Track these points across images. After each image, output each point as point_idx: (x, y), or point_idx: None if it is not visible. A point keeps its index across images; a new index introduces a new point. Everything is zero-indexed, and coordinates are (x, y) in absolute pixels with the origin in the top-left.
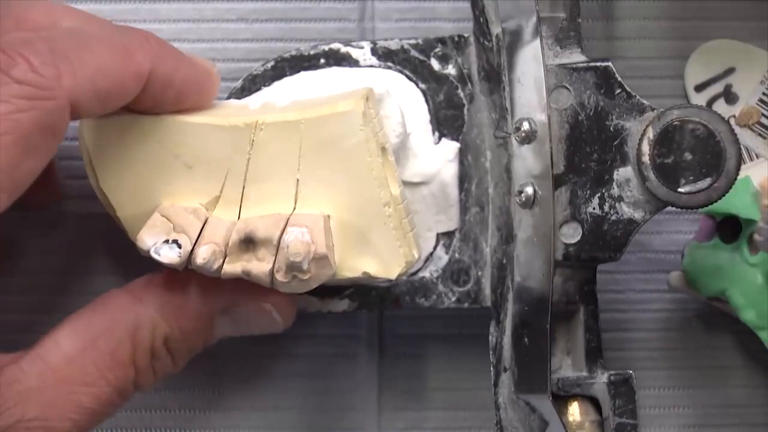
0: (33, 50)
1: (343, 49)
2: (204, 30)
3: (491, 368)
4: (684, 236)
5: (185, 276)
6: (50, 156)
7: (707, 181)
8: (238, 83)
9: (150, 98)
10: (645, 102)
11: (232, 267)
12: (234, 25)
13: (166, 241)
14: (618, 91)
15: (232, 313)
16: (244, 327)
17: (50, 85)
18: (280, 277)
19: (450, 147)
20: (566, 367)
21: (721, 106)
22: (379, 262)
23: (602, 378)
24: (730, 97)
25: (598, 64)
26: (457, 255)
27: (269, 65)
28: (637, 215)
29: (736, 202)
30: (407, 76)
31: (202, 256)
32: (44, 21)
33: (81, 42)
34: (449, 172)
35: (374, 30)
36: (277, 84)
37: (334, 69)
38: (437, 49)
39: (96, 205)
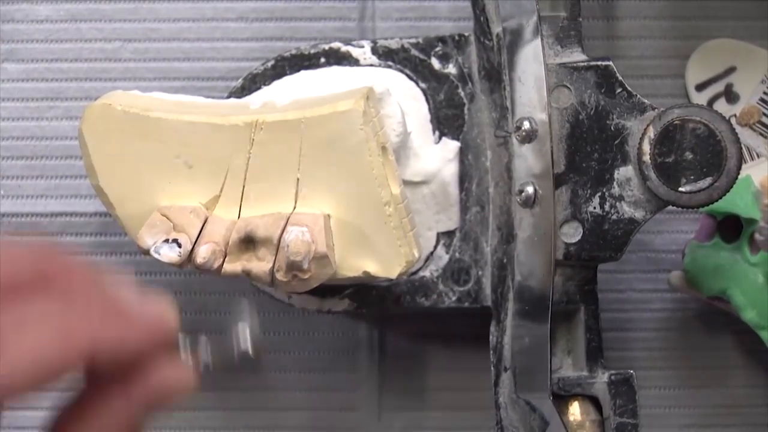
0: None
1: (344, 48)
2: (203, 29)
3: (492, 368)
4: (685, 236)
5: (89, 400)
6: None
7: (708, 181)
8: (238, 82)
9: (99, 368)
10: (646, 101)
11: (232, 266)
12: (234, 24)
13: (166, 241)
14: (619, 90)
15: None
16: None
17: None
18: (280, 276)
19: (450, 146)
20: (567, 366)
21: (721, 106)
22: (379, 261)
23: (603, 377)
24: (730, 96)
25: (599, 63)
26: (457, 254)
27: (269, 64)
28: (638, 214)
29: (737, 202)
30: (407, 75)
31: (202, 255)
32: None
33: (18, 325)
34: (449, 171)
35: (374, 29)
36: (277, 83)
37: (335, 68)
38: (438, 48)
39: (96, 204)
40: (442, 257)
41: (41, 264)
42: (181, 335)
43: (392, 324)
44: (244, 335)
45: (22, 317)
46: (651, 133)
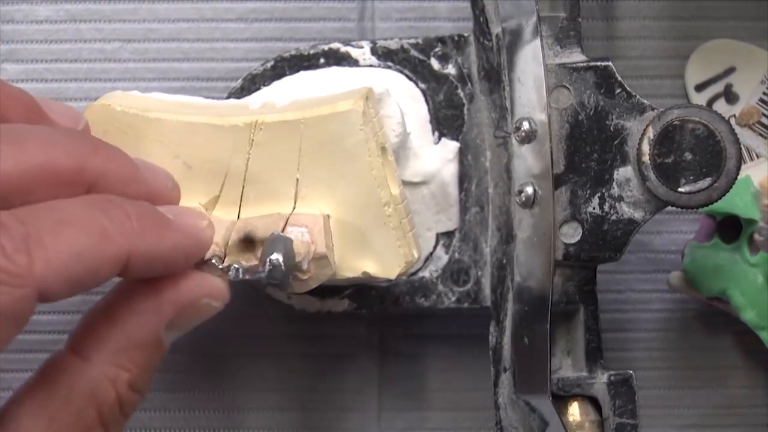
0: (7, 235)
1: (343, 48)
2: (203, 29)
3: (491, 368)
4: (684, 236)
5: (119, 302)
6: (8, 343)
7: (707, 181)
8: (238, 83)
9: (134, 274)
10: (645, 102)
11: None
12: (233, 25)
13: None
14: (618, 90)
15: (173, 323)
16: (187, 327)
17: (20, 273)
18: None
19: (450, 147)
20: (566, 367)
21: (721, 106)
22: (378, 262)
23: (602, 378)
24: (730, 96)
25: (598, 63)
26: (456, 255)
27: (269, 65)
28: (637, 215)
29: (736, 202)
30: (407, 76)
31: None
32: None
33: (57, 223)
34: (449, 171)
35: (374, 29)
36: (276, 84)
37: (334, 68)
38: (437, 49)
39: None
40: (442, 258)
41: (79, 159)
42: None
43: (392, 324)
44: (278, 265)
45: (62, 216)
46: (650, 133)
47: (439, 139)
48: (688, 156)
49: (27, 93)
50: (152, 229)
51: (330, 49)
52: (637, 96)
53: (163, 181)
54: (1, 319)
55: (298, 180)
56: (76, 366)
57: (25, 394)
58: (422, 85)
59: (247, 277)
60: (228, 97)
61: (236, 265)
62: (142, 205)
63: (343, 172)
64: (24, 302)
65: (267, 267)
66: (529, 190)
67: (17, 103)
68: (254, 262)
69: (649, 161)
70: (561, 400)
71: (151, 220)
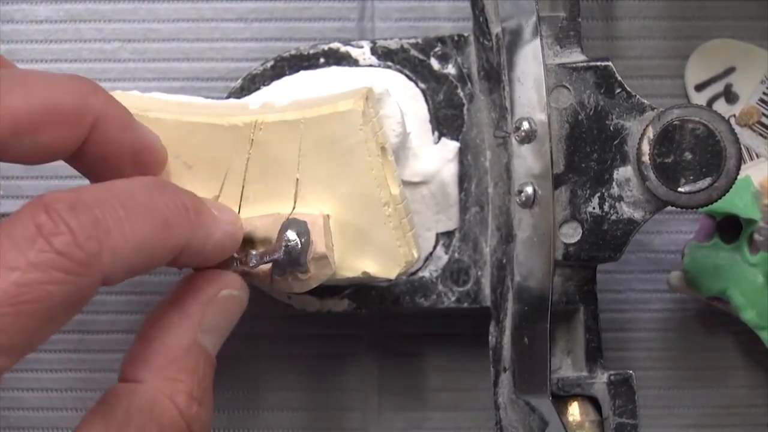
0: (77, 220)
1: (343, 48)
2: (203, 29)
3: (491, 368)
4: (684, 236)
5: (151, 325)
6: (65, 323)
7: (707, 181)
8: (237, 83)
9: (179, 265)
10: (645, 101)
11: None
12: (233, 25)
13: None
14: (618, 90)
15: (206, 324)
16: (221, 326)
17: (89, 262)
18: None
19: (450, 146)
20: (566, 367)
21: (721, 106)
22: (378, 261)
23: (602, 378)
24: (730, 96)
25: (598, 63)
26: (456, 255)
27: (268, 65)
28: (637, 215)
29: (736, 202)
30: (407, 76)
31: None
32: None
33: (125, 211)
34: (449, 171)
35: (374, 29)
36: (276, 83)
37: (334, 68)
38: (437, 49)
39: None
40: (442, 257)
41: (81, 98)
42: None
43: (392, 324)
44: (294, 245)
45: (128, 202)
46: (650, 133)
47: (439, 138)
48: (688, 156)
49: None
50: (203, 222)
51: (330, 48)
52: (637, 96)
53: (152, 134)
54: (65, 307)
55: (297, 180)
56: (130, 389)
57: (82, 425)
58: (422, 85)
59: (266, 259)
60: (228, 97)
61: (254, 251)
62: (193, 197)
63: (343, 172)
64: (89, 290)
65: (283, 247)
66: (529, 189)
67: None
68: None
69: (648, 161)
70: (561, 400)
71: (203, 214)
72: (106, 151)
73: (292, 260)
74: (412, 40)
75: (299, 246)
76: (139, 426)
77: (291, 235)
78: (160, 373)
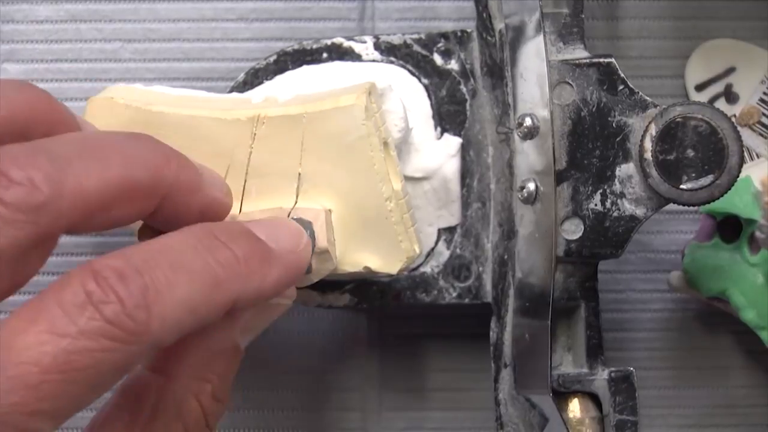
0: (127, 288)
1: (346, 43)
2: (203, 29)
3: (492, 364)
4: (684, 236)
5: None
6: (110, 389)
7: (709, 178)
8: (240, 77)
9: (235, 310)
10: (648, 98)
11: None
12: (234, 25)
13: None
14: (621, 87)
15: (247, 327)
16: (260, 328)
17: (138, 331)
18: None
19: (452, 142)
20: (567, 363)
21: (721, 106)
22: (380, 256)
23: (603, 375)
24: (730, 96)
25: (601, 60)
26: (458, 250)
27: (271, 59)
28: (639, 212)
29: (736, 202)
30: (410, 71)
31: None
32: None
33: (173, 274)
34: (451, 167)
35: (374, 29)
36: (279, 78)
37: (337, 63)
38: (440, 44)
39: None
40: (443, 253)
41: (156, 171)
42: None
43: (393, 323)
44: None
45: (175, 262)
46: (653, 130)
47: (442, 134)
48: (690, 153)
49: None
50: (258, 267)
51: (333, 43)
52: (640, 93)
53: (219, 186)
54: (112, 373)
55: (300, 174)
56: (159, 385)
57: (106, 419)
58: (425, 81)
59: None
60: (230, 91)
61: None
62: (247, 238)
63: (345, 167)
64: (137, 356)
65: None
66: (531, 186)
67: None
68: None
69: (651, 158)
70: (561, 397)
71: (257, 257)
72: (174, 214)
73: None
74: (415, 36)
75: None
76: (166, 424)
77: None
78: (194, 371)
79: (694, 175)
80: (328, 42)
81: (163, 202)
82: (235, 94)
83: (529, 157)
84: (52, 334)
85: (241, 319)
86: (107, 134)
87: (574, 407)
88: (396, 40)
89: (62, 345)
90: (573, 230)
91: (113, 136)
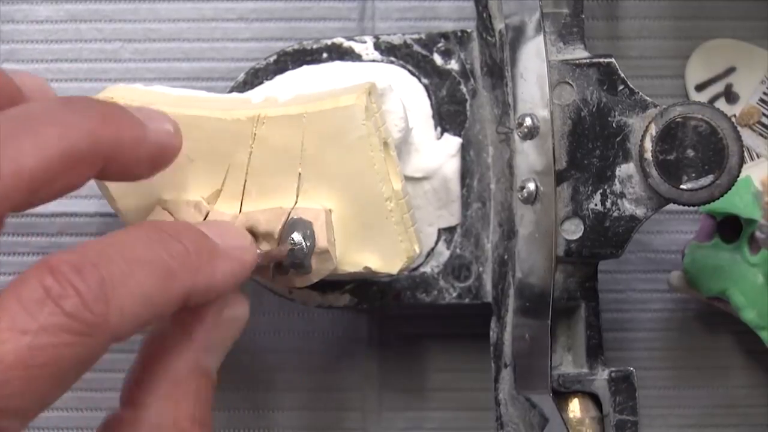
0: (84, 282)
1: (346, 43)
2: (203, 29)
3: (492, 364)
4: (685, 236)
5: (152, 348)
6: (75, 383)
7: (709, 178)
8: (240, 77)
9: (189, 306)
10: (648, 98)
11: None
12: (234, 25)
13: None
14: (621, 87)
15: (208, 345)
16: (224, 345)
17: (98, 323)
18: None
19: (452, 142)
20: (567, 363)
21: (721, 106)
22: (380, 256)
23: (603, 375)
24: (730, 96)
25: (601, 60)
26: (458, 250)
27: (271, 59)
28: (639, 212)
29: (736, 202)
30: (410, 71)
31: None
32: None
33: (128, 266)
34: (451, 167)
35: (374, 29)
36: (279, 78)
37: (337, 63)
38: (440, 44)
39: (96, 204)
40: (443, 253)
41: (94, 136)
42: None
43: (393, 323)
44: (300, 246)
45: (130, 256)
46: (653, 130)
47: (442, 134)
48: (691, 153)
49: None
50: (207, 261)
51: (333, 43)
52: (640, 93)
53: (165, 129)
54: (75, 368)
55: (300, 174)
56: (133, 417)
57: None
58: (425, 81)
59: (271, 261)
60: (231, 91)
61: (258, 250)
62: (194, 233)
63: (346, 167)
64: (98, 349)
65: (289, 251)
66: (531, 186)
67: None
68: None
69: (651, 158)
70: (561, 397)
71: (205, 251)
72: (123, 169)
73: (297, 262)
74: (415, 36)
75: (305, 249)
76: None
77: (297, 237)
78: (163, 397)
79: (694, 175)
80: (328, 42)
81: (109, 161)
82: (235, 94)
83: (529, 157)
84: (13, 332)
85: (198, 337)
86: (41, 105)
87: (574, 407)
88: (396, 40)
89: (24, 341)
90: (573, 230)
91: (46, 106)
